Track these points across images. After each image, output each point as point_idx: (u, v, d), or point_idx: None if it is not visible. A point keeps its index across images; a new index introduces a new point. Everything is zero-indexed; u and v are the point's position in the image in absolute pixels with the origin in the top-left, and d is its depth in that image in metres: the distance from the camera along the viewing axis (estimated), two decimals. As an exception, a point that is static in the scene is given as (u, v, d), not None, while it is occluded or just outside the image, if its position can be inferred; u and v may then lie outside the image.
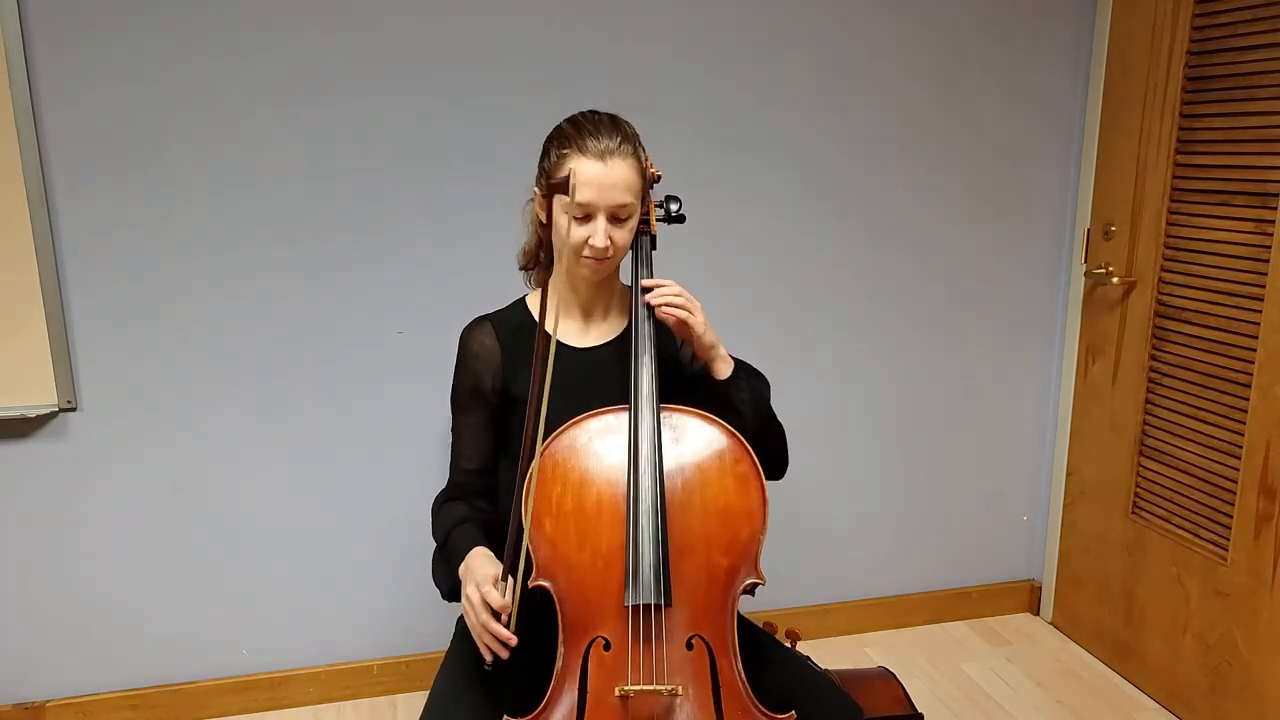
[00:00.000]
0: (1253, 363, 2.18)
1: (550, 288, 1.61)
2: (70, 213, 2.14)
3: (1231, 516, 2.26)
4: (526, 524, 1.41)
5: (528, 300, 1.69)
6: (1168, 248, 2.41)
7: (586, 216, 1.51)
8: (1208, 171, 2.28)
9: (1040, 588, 2.95)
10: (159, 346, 2.25)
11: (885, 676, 1.96)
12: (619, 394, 1.55)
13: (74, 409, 2.22)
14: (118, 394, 2.24)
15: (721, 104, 2.42)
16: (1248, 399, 2.20)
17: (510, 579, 1.40)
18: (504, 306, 1.70)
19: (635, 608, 1.39)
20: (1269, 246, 2.13)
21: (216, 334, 2.27)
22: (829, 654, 2.66)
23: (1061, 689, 2.57)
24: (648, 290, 1.57)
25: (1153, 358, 2.47)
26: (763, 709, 1.41)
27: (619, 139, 1.51)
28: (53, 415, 2.22)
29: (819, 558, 2.76)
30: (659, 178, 1.70)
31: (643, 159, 1.55)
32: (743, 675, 1.43)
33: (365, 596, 2.48)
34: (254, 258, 2.25)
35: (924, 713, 1.93)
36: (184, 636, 2.40)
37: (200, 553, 2.37)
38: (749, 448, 1.52)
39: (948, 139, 2.59)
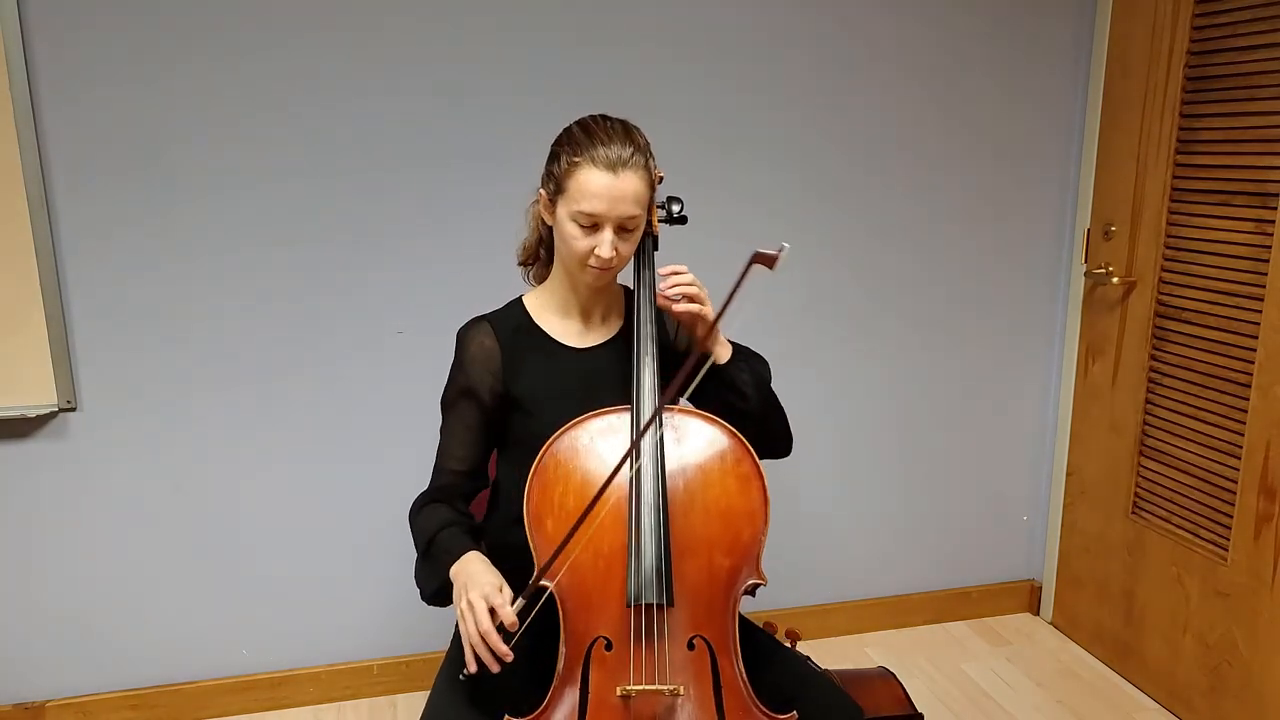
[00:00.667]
0: (1253, 363, 2.19)
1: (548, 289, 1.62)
2: (70, 213, 2.14)
3: (1231, 516, 2.26)
4: (552, 568, 1.39)
5: (525, 300, 1.69)
6: (1168, 248, 2.41)
7: (593, 226, 1.50)
8: (1208, 171, 2.28)
9: (1040, 588, 2.95)
10: (159, 346, 2.25)
11: (885, 676, 1.96)
12: (619, 393, 1.55)
13: (74, 409, 2.22)
14: (118, 394, 2.24)
15: (722, 104, 2.42)
16: (1248, 399, 2.20)
17: (522, 600, 1.38)
18: (500, 307, 1.69)
19: (637, 607, 1.39)
20: (1269, 246, 2.13)
21: (216, 334, 2.27)
22: (829, 654, 2.66)
23: (1061, 689, 2.57)
24: (663, 273, 1.56)
25: (1153, 358, 2.48)
26: (764, 709, 1.42)
27: (631, 149, 1.49)
28: (53, 415, 2.22)
29: (819, 558, 2.76)
30: (661, 179, 1.70)
31: (652, 169, 1.54)
32: (744, 675, 1.43)
33: (365, 596, 2.48)
34: (254, 258, 2.25)
35: (924, 713, 1.92)
36: (184, 636, 2.40)
37: (200, 553, 2.37)
38: (749, 448, 1.52)
39: (948, 139, 2.59)
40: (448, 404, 1.65)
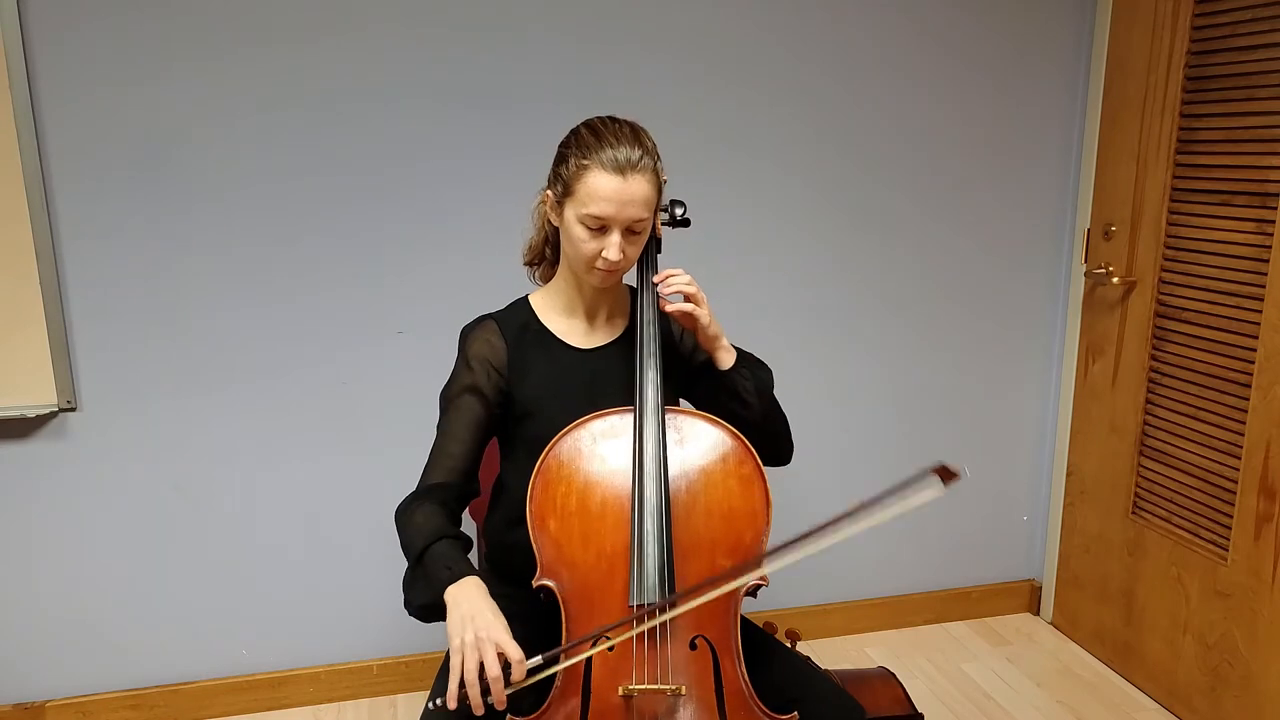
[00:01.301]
0: (1253, 363, 2.19)
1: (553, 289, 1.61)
2: (70, 213, 2.14)
3: (1231, 516, 2.26)
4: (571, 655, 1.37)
5: (530, 299, 1.69)
6: (1168, 248, 2.41)
7: (601, 228, 1.50)
8: (1208, 171, 2.28)
9: (1040, 588, 2.95)
10: (159, 346, 2.25)
11: (885, 676, 1.96)
12: (623, 394, 1.55)
13: (74, 409, 2.22)
14: (118, 394, 2.24)
15: (723, 106, 2.42)
16: (1248, 399, 2.20)
17: (538, 660, 1.33)
18: (505, 306, 1.69)
19: (639, 607, 1.39)
20: (1269, 246, 2.13)
21: (216, 334, 2.27)
22: (829, 654, 2.66)
23: (1061, 689, 2.57)
24: (657, 280, 1.56)
25: (1153, 358, 2.48)
26: (764, 709, 1.42)
27: (640, 152, 1.48)
28: (53, 415, 2.21)
29: (819, 558, 2.74)
30: (664, 182, 1.71)
31: (660, 172, 1.53)
32: (745, 675, 1.43)
33: (365, 596, 2.48)
34: (254, 258, 2.25)
35: (924, 713, 1.93)
36: (184, 636, 2.40)
37: (200, 552, 2.37)
38: (752, 449, 1.52)
39: (948, 139, 2.59)
40: (449, 400, 1.60)
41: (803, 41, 2.43)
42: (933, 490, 1.29)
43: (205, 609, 2.40)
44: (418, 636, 2.52)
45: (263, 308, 2.28)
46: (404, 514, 1.54)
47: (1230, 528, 2.27)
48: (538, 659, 1.33)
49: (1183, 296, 2.38)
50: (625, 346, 1.64)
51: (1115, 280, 2.53)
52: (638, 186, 1.48)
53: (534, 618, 1.45)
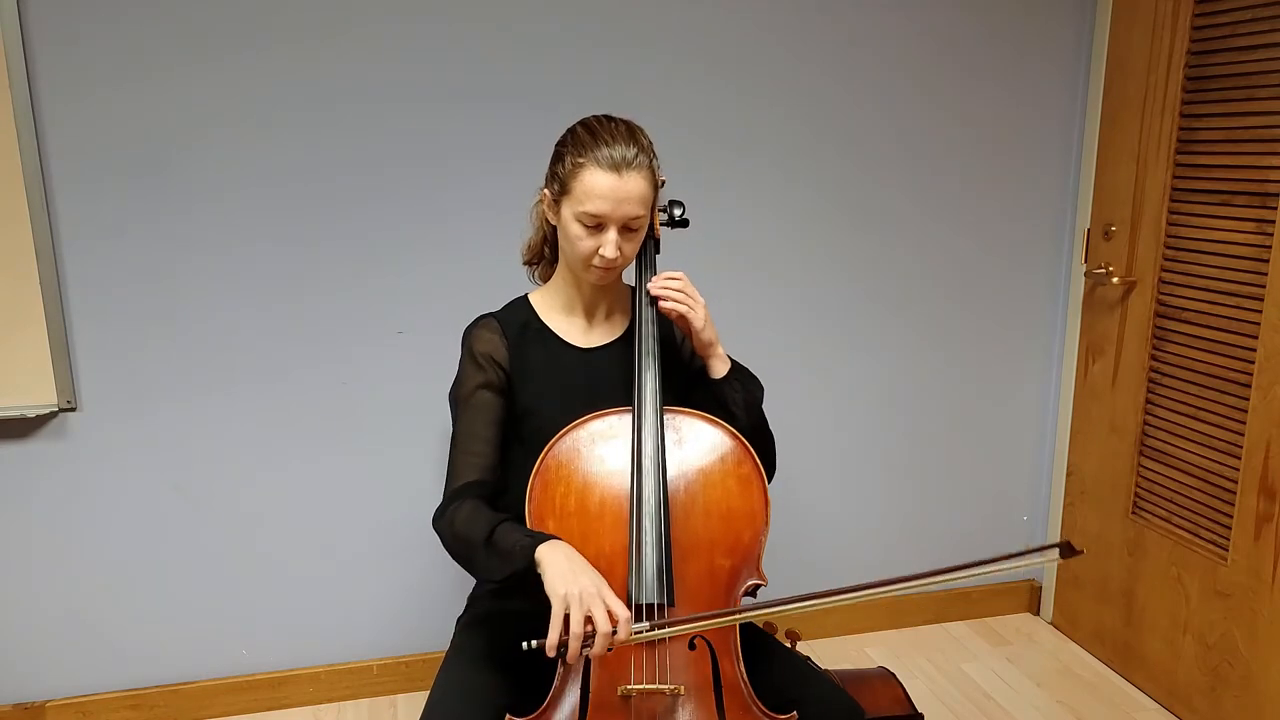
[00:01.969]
0: (1253, 363, 2.19)
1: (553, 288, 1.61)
2: (70, 213, 2.14)
3: (1231, 516, 2.26)
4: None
5: (531, 298, 1.69)
6: (1168, 248, 2.41)
7: (597, 226, 1.50)
8: (1208, 171, 2.28)
9: (1040, 588, 2.95)
10: (159, 346, 2.25)
11: (885, 676, 1.96)
12: (622, 393, 1.55)
13: (74, 409, 2.22)
14: (118, 394, 2.24)
15: (723, 106, 2.42)
16: (1248, 399, 2.20)
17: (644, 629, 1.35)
18: (505, 305, 1.69)
19: (638, 607, 1.39)
20: (1269, 246, 2.13)
21: (216, 334, 2.27)
22: (829, 654, 2.66)
23: (1061, 689, 2.57)
24: (652, 285, 1.56)
25: (1153, 358, 2.48)
26: (764, 709, 1.42)
27: (635, 150, 1.49)
28: (53, 415, 2.21)
29: (819, 558, 2.76)
30: (663, 182, 1.71)
31: (656, 170, 1.54)
32: (744, 675, 1.44)
33: (365, 596, 2.48)
34: (254, 258, 2.25)
35: (924, 713, 1.93)
36: (184, 636, 2.40)
37: (200, 552, 2.37)
38: (751, 449, 1.52)
39: (948, 139, 2.59)
40: (463, 400, 1.59)
41: (802, 41, 2.43)
42: (1048, 560, 1.32)
43: (205, 609, 2.40)
44: (418, 636, 2.53)
45: (263, 308, 2.28)
46: (446, 515, 1.52)
47: (1230, 528, 2.27)
48: (644, 624, 1.35)
49: (1183, 296, 2.38)
50: (625, 346, 1.64)
51: (1115, 280, 2.53)
52: (633, 184, 1.48)
53: (536, 616, 1.45)
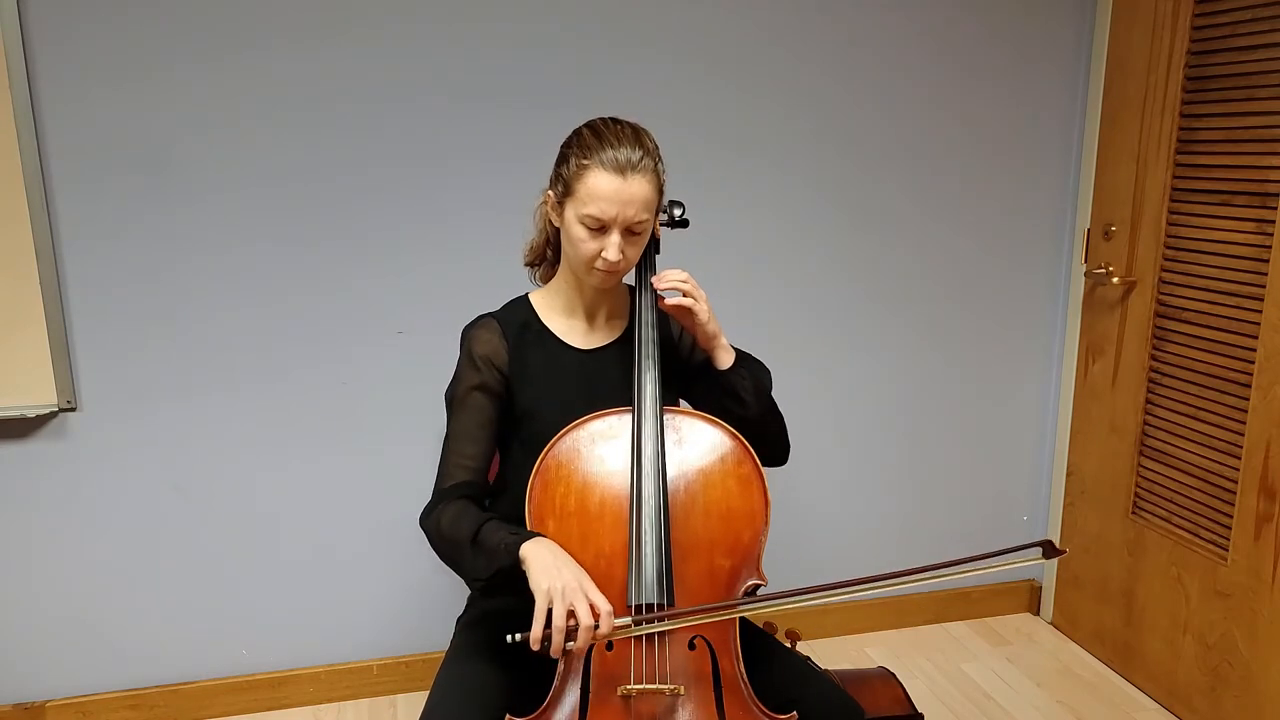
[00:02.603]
0: (1253, 363, 2.19)
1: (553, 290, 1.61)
2: (70, 213, 2.14)
3: (1231, 516, 2.26)
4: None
5: (531, 298, 1.69)
6: (1168, 248, 2.41)
7: (601, 229, 1.50)
8: (1208, 171, 2.28)
9: (1040, 588, 2.95)
10: (159, 346, 2.25)
11: (885, 676, 1.96)
12: (622, 394, 1.55)
13: (74, 409, 2.22)
14: (118, 394, 2.24)
15: (723, 107, 2.42)
16: (1248, 399, 2.20)
17: (625, 624, 1.36)
18: (505, 305, 1.69)
19: (638, 607, 1.39)
20: (1269, 246, 2.13)
21: (216, 334, 2.27)
22: (829, 654, 2.66)
23: (1061, 689, 2.57)
24: (655, 281, 1.57)
25: (1153, 358, 2.48)
26: (764, 709, 1.42)
27: (640, 153, 1.49)
28: (53, 415, 2.21)
29: (819, 558, 2.76)
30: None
31: (660, 174, 1.53)
32: (744, 675, 1.44)
33: (365, 596, 2.48)
34: (254, 258, 2.25)
35: (924, 713, 1.93)
36: (184, 636, 2.40)
37: (200, 552, 2.37)
38: (750, 449, 1.52)
39: (948, 139, 2.59)
40: (458, 401, 1.60)
41: (803, 41, 2.43)
42: (1032, 559, 1.40)
43: (205, 609, 2.40)
44: (418, 636, 2.53)
45: (263, 308, 2.28)
46: (433, 515, 1.54)
47: (1230, 528, 2.27)
48: (626, 619, 1.36)
49: (1183, 296, 2.38)
50: (625, 347, 1.64)
51: (1115, 280, 2.53)
52: (638, 187, 1.48)
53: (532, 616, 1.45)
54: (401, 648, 2.54)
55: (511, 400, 1.61)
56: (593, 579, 1.41)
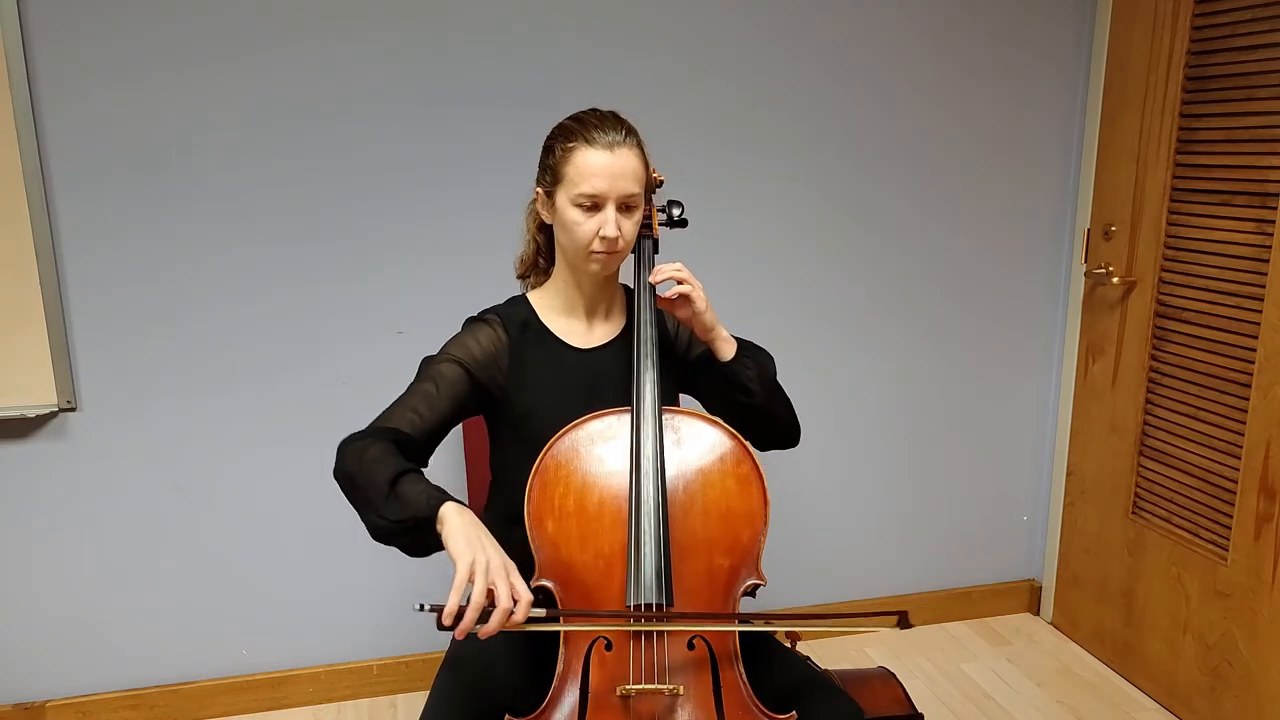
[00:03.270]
0: (1253, 363, 2.19)
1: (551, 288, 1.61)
2: (70, 213, 2.14)
3: (1231, 516, 2.26)
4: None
5: (530, 297, 1.69)
6: (1168, 248, 2.41)
7: (595, 207, 1.51)
8: (1208, 171, 2.28)
9: (1040, 588, 2.95)
10: (159, 346, 2.25)
11: (885, 676, 1.96)
12: (622, 393, 1.55)
13: (74, 409, 2.22)
14: (118, 394, 2.24)
15: (722, 106, 2.42)
16: (1248, 399, 2.20)
17: (540, 617, 1.31)
18: (504, 302, 1.69)
19: (637, 607, 1.39)
20: (1269, 246, 2.13)
21: (216, 334, 2.27)
22: (829, 654, 2.66)
23: (1061, 689, 2.57)
24: (653, 271, 1.57)
25: (1153, 358, 2.48)
26: (763, 709, 1.42)
27: (624, 132, 1.52)
28: (53, 415, 2.22)
29: (819, 558, 2.76)
30: (661, 182, 1.71)
31: (645, 151, 1.56)
32: (744, 675, 1.43)
33: (365, 596, 2.48)
34: (254, 258, 2.25)
35: (924, 713, 1.92)
36: (184, 636, 2.40)
37: (200, 553, 2.37)
38: (750, 449, 1.52)
39: (948, 139, 2.59)
40: (434, 364, 1.57)
41: (802, 41, 2.43)
42: (884, 627, 1.34)
43: (205, 609, 2.40)
44: (418, 637, 2.53)
45: (263, 308, 2.28)
46: (355, 443, 1.49)
47: (1230, 528, 2.27)
48: (541, 610, 1.31)
49: (1183, 296, 2.37)
50: (623, 346, 1.64)
51: (1115, 280, 2.53)
52: (626, 160, 1.50)
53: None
54: (401, 648, 2.54)
55: (510, 399, 1.61)
56: (591, 579, 1.41)
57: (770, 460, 1.58)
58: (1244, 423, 2.21)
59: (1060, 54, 2.62)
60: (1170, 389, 2.43)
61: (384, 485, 1.38)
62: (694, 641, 1.42)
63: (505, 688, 1.49)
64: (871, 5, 2.45)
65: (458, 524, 1.32)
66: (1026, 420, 2.86)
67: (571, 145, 1.51)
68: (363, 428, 1.54)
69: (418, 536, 1.35)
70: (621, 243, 1.53)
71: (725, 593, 1.46)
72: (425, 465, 1.54)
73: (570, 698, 1.39)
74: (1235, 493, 2.24)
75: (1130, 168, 2.49)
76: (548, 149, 1.57)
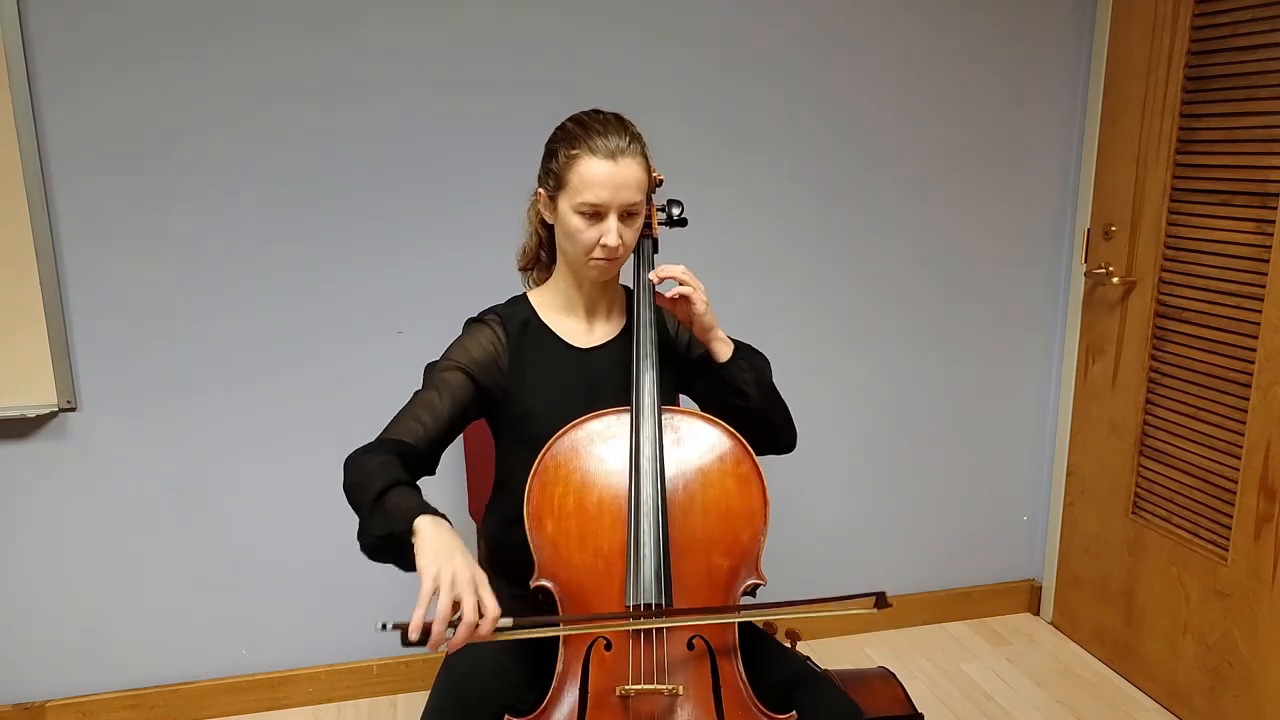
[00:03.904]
0: (1253, 363, 2.18)
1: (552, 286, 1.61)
2: (70, 213, 2.14)
3: (1231, 516, 2.26)
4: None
5: (530, 297, 1.69)
6: (1168, 248, 2.41)
7: (597, 215, 1.51)
8: (1208, 171, 2.28)
9: (1040, 588, 2.95)
10: (159, 346, 2.25)
11: (885, 676, 1.96)
12: (622, 393, 1.55)
13: (74, 409, 2.22)
14: (118, 394, 2.24)
15: (722, 105, 2.42)
16: (1248, 399, 2.20)
17: (507, 626, 1.28)
18: (505, 302, 1.69)
19: (636, 607, 1.39)
20: (1269, 246, 2.13)
21: (216, 334, 2.27)
22: (829, 654, 2.66)
23: (1061, 689, 2.57)
24: (652, 274, 1.57)
25: (1153, 358, 2.47)
26: (763, 709, 1.41)
27: (627, 138, 1.51)
28: (53, 415, 2.22)
29: (819, 558, 2.76)
30: (661, 181, 1.71)
31: (648, 158, 1.55)
32: (743, 675, 1.43)
33: (365, 597, 2.48)
34: (254, 257, 2.25)
35: (924, 713, 1.92)
36: (184, 636, 2.40)
37: (200, 552, 2.37)
38: (749, 449, 1.52)
39: (948, 139, 2.59)
40: (438, 371, 1.58)
41: (803, 42, 2.43)
42: (863, 609, 1.36)
43: (205, 609, 2.40)
44: (417, 636, 2.52)
45: (263, 308, 2.28)
46: (358, 458, 1.50)
47: (1230, 528, 2.26)
48: (509, 620, 1.28)
49: (1183, 296, 2.37)
50: (623, 345, 1.64)
51: (1115, 280, 2.53)
52: (629, 170, 1.49)
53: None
54: (401, 648, 2.53)
55: (510, 399, 1.61)
56: (591, 579, 1.41)
57: (770, 460, 1.58)
58: (1244, 423, 2.21)
59: (1060, 54, 2.62)
60: (1170, 389, 2.43)
61: (370, 501, 1.40)
62: (693, 641, 1.42)
63: (505, 688, 1.48)
64: (872, 5, 2.45)
65: (429, 536, 1.30)
66: (1026, 420, 2.86)
67: (575, 153, 1.50)
68: (370, 439, 1.56)
69: (401, 552, 1.34)
70: (622, 250, 1.53)
71: (725, 592, 1.46)
72: (433, 472, 1.56)
73: (570, 698, 1.39)
74: (1235, 493, 2.24)
75: (1130, 168, 2.49)
76: (550, 152, 1.56)
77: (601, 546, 1.44)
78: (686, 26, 2.36)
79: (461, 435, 2.02)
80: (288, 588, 2.43)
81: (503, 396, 1.62)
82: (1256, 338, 2.17)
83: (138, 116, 2.13)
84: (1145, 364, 2.49)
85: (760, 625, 1.71)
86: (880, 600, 1.37)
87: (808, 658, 1.74)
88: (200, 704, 2.43)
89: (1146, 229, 2.46)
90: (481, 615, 1.24)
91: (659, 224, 1.68)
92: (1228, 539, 2.27)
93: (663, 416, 1.51)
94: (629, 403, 1.52)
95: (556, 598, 1.43)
